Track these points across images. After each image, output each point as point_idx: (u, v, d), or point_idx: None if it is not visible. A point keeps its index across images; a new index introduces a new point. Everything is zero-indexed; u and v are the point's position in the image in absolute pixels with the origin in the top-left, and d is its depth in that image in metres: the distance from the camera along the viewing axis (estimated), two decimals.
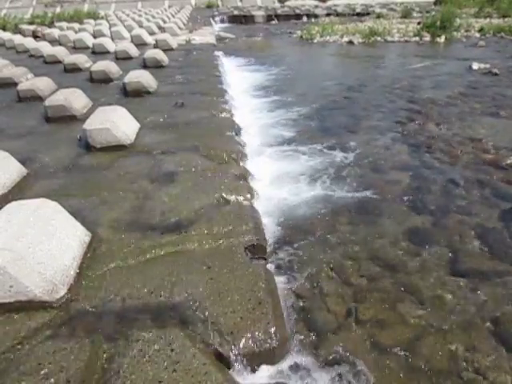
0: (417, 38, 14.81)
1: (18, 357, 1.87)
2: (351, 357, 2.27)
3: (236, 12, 28.83)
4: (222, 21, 26.87)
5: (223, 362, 1.89)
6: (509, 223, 3.52)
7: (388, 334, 2.44)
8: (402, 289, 2.80)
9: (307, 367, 2.16)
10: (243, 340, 1.95)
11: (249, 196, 3.36)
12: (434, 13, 18.17)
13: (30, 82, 6.80)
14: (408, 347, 2.34)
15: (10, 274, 2.04)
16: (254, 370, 1.96)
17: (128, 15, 24.66)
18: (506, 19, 18.13)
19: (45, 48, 11.06)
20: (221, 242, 2.69)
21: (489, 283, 2.84)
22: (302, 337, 2.39)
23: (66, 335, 1.99)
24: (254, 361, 1.96)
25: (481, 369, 2.19)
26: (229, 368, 1.89)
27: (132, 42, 11.90)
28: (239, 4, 36.58)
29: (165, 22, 19.17)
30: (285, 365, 2.10)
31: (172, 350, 1.86)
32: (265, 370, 2.01)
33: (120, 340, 1.94)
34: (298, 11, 28.19)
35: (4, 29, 20.54)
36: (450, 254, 3.15)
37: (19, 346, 1.93)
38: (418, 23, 16.61)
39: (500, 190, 4.05)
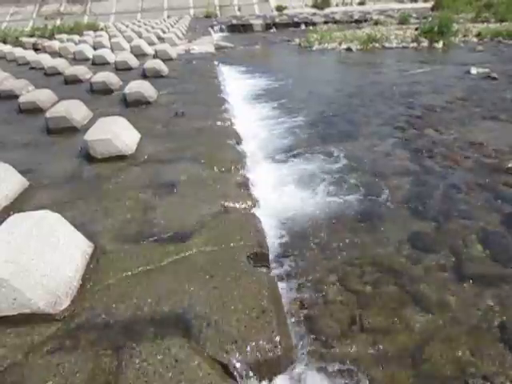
0: (415, 44, 14.87)
1: (22, 370, 1.86)
2: (357, 364, 2.26)
3: (234, 21, 29.00)
4: (221, 30, 27.05)
5: (228, 371, 1.88)
6: (511, 227, 3.51)
7: (393, 340, 2.42)
8: (406, 295, 2.79)
9: (313, 376, 2.15)
10: (248, 349, 1.93)
11: (250, 204, 3.36)
12: (431, 18, 18.28)
13: (30, 94, 6.84)
14: (413, 353, 2.33)
15: (14, 287, 2.03)
16: (259, 380, 1.95)
17: (127, 26, 24.88)
18: (504, 24, 18.20)
19: (45, 60, 11.12)
20: (223, 250, 2.69)
21: (493, 288, 2.82)
22: (307, 345, 2.38)
23: (69, 348, 1.98)
24: (259, 370, 1.94)
25: (487, 375, 2.17)
26: (234, 378, 1.88)
27: (132, 52, 11.94)
28: (237, 13, 36.87)
29: (164, 32, 19.33)
30: (290, 374, 2.08)
31: (176, 361, 1.85)
32: (270, 380, 1.99)
33: (124, 351, 1.93)
34: (296, 19, 28.33)
35: (5, 41, 20.68)
36: (454, 259, 3.14)
37: (23, 359, 1.93)
38: (416, 29, 16.70)
39: (502, 194, 4.05)
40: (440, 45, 14.50)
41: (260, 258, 2.66)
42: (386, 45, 15.14)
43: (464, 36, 16.12)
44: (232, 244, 2.75)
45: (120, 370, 1.83)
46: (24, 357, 1.94)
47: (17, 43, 19.28)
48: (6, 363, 1.91)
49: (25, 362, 1.91)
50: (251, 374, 1.91)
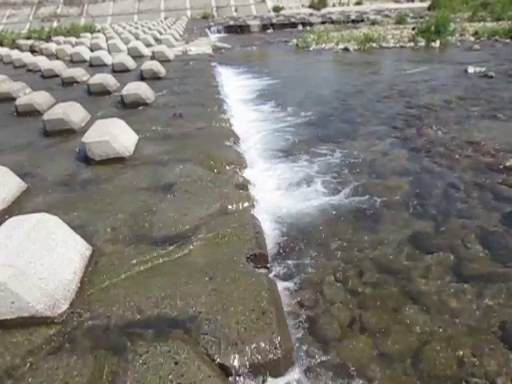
0: (412, 44, 14.88)
1: (21, 374, 1.85)
2: (357, 365, 2.25)
3: (231, 22, 29.00)
4: (218, 31, 27.05)
5: (228, 373, 1.87)
6: (510, 226, 3.51)
7: (393, 341, 2.42)
8: (406, 295, 2.79)
9: (313, 378, 2.14)
10: (248, 351, 1.93)
11: (249, 205, 3.36)
12: (428, 18, 18.30)
13: (28, 96, 6.83)
14: (414, 354, 2.32)
15: (12, 290, 2.02)
16: (259, 382, 1.94)
17: (124, 28, 24.85)
18: (500, 22, 18.23)
19: (42, 62, 11.11)
20: (222, 251, 2.68)
21: (493, 287, 2.82)
22: (307, 346, 2.37)
23: (68, 351, 1.97)
24: (259, 372, 1.93)
25: (488, 374, 2.16)
26: (234, 380, 1.87)
27: (129, 54, 11.94)
28: (234, 14, 36.87)
29: (161, 33, 19.31)
30: (290, 375, 2.07)
31: (176, 363, 1.84)
32: (270, 381, 1.98)
33: (123, 354, 1.92)
34: (293, 20, 28.33)
35: (1, 44, 20.67)
36: (453, 259, 3.13)
37: (22, 363, 1.91)
38: (413, 29, 16.70)
39: (500, 193, 4.05)
40: (437, 44, 14.52)
41: (259, 258, 2.65)
42: (384, 44, 15.14)
43: (461, 35, 16.15)
44: (231, 245, 2.74)
45: (119, 373, 1.82)
46: (23, 360, 1.93)
47: (14, 45, 19.28)
48: (5, 367, 1.90)
49: (23, 365, 1.90)
50: (251, 375, 1.91)
